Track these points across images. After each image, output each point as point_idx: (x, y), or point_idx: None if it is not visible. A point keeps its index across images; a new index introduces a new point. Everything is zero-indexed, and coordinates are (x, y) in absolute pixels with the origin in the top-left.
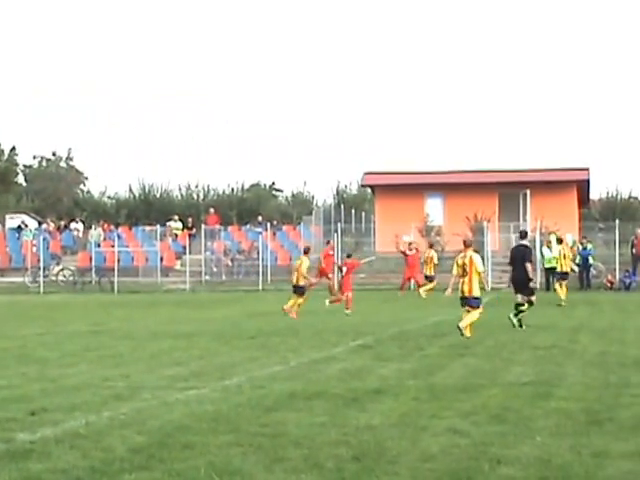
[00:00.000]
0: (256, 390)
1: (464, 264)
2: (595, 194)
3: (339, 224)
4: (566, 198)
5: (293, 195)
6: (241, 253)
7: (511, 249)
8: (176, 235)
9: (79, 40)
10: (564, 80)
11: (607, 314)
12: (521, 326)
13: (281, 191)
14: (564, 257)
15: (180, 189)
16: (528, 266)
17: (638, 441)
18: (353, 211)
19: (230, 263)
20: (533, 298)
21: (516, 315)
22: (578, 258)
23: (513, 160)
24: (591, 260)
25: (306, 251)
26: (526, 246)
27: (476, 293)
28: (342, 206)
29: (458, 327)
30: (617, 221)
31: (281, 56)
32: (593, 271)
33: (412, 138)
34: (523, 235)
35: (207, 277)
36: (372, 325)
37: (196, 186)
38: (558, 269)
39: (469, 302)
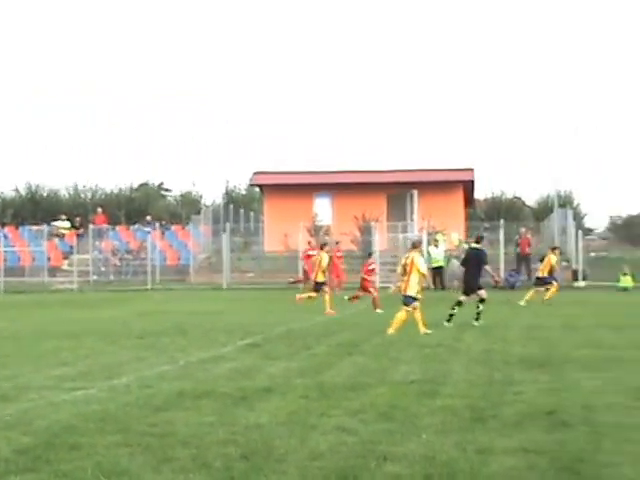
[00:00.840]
0: (144, 390)
1: (406, 264)
2: (480, 194)
3: (228, 224)
4: (452, 198)
5: (182, 195)
6: (129, 253)
7: (466, 250)
8: (63, 235)
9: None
10: (449, 82)
11: (491, 313)
12: (477, 319)
13: (169, 191)
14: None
15: (67, 189)
16: (488, 268)
17: (521, 437)
18: (242, 211)
19: (118, 263)
20: (482, 293)
21: (476, 315)
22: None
23: (401, 160)
24: None
25: (322, 247)
26: (481, 250)
27: (411, 292)
28: (231, 206)
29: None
30: (502, 221)
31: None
32: None
33: (301, 138)
34: (479, 239)
35: (95, 277)
36: (260, 324)
37: (84, 186)
38: (540, 275)
39: (404, 300)
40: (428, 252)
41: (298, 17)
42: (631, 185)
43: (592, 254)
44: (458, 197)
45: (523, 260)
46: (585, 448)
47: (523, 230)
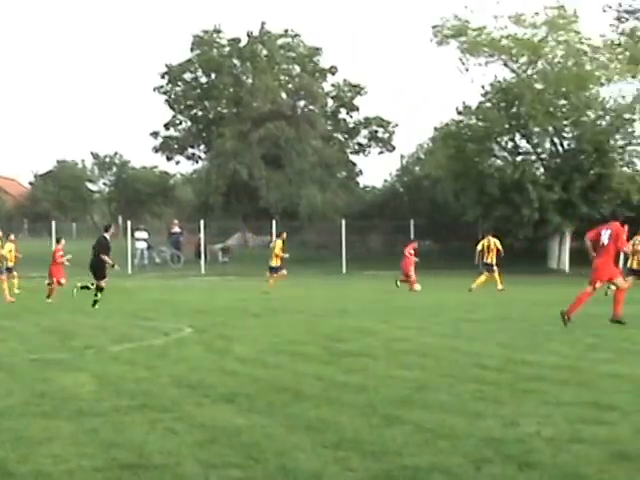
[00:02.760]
0: None
1: None
2: None
3: None
4: None
5: None
6: None
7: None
8: None
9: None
10: None
11: None
12: (94, 305)
13: None
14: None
15: None
16: (103, 257)
17: None
18: None
19: None
20: (103, 283)
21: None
22: None
23: None
24: None
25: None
26: (105, 238)
27: None
28: None
29: None
30: None
31: None
32: None
33: None
34: (106, 228)
35: None
36: None
37: None
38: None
39: None
40: None
41: None
42: None
43: None
44: None
45: None
46: None
47: None
